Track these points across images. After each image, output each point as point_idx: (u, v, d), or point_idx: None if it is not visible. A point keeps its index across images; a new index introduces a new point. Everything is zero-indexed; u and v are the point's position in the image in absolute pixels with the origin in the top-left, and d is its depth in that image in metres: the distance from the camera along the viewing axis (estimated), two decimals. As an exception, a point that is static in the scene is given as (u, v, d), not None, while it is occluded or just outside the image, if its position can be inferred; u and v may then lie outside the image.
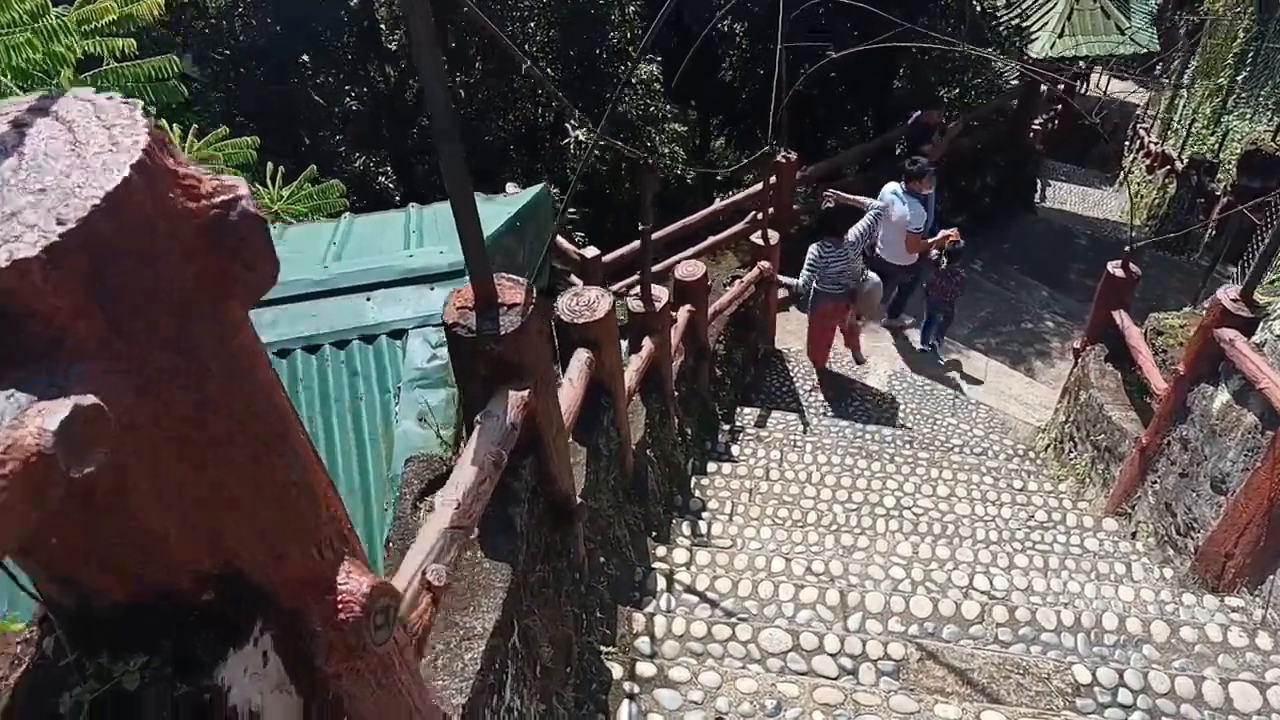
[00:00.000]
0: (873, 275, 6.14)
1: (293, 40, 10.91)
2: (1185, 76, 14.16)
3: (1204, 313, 5.01)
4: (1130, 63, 17.08)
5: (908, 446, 5.63)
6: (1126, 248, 4.80)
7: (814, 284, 5.95)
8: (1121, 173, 14.80)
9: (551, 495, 2.13)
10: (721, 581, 3.05)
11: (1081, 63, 16.19)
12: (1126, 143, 16.74)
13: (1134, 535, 3.95)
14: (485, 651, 1.54)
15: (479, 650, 1.53)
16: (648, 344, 4.00)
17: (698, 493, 4.46)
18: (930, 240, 6.63)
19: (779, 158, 7.83)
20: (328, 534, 0.76)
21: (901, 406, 6.74)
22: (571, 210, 12.49)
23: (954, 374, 7.37)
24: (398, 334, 2.90)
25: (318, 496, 0.74)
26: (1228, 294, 3.39)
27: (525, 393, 1.79)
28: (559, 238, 7.89)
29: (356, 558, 0.83)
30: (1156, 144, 13.10)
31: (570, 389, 2.65)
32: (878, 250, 6.71)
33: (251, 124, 11.10)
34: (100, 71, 4.84)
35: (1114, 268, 4.82)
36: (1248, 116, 10.46)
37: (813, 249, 5.98)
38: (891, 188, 6.54)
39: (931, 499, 4.48)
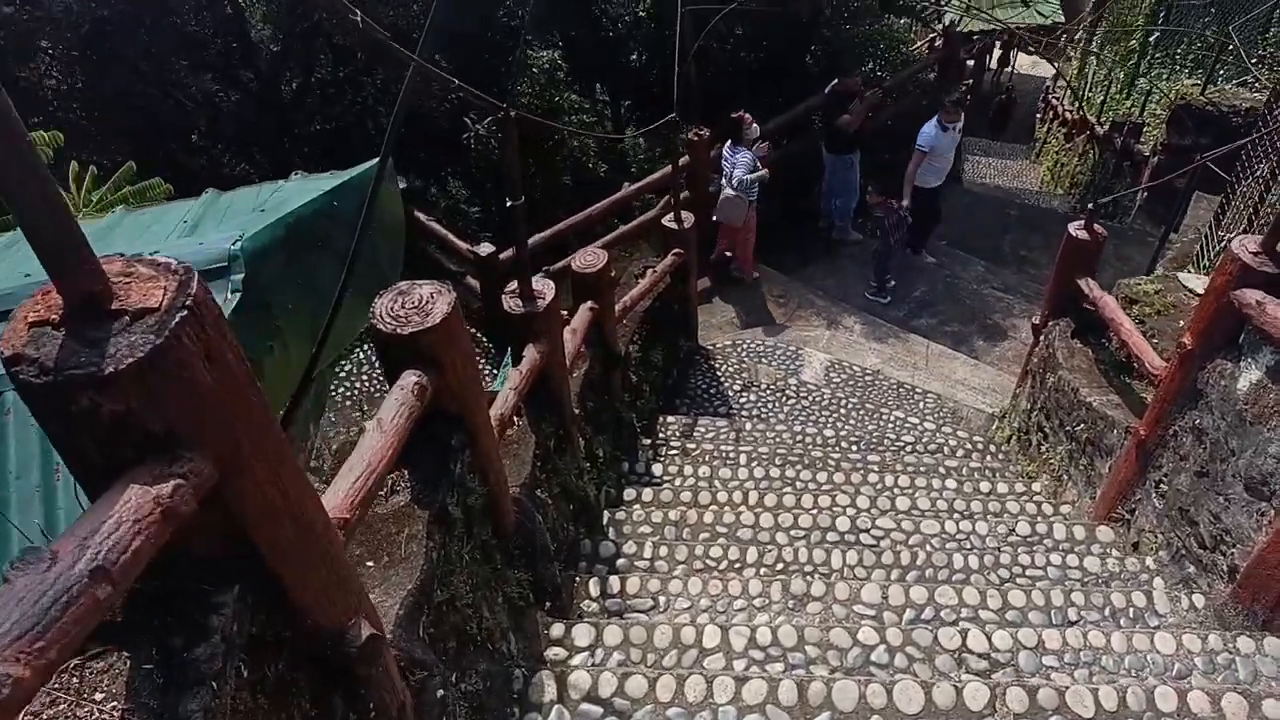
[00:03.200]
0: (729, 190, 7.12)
1: (145, 35, 9.53)
2: (1094, 43, 14.03)
3: (1182, 274, 4.43)
4: (1037, 34, 17.04)
5: (854, 449, 4.89)
6: (1089, 205, 4.17)
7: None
8: (1038, 142, 14.61)
9: (307, 639, 1.23)
10: (634, 681, 2.19)
11: (988, 37, 16.03)
12: (1039, 114, 16.66)
13: (1136, 547, 3.27)
14: None
15: None
16: (531, 353, 3.12)
17: (612, 532, 3.60)
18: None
19: (690, 135, 7.07)
20: None
21: (843, 402, 6.02)
22: (475, 209, 11.54)
23: (895, 360, 6.72)
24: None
25: None
26: (1246, 246, 2.71)
27: (172, 485, 0.90)
28: (449, 234, 7.01)
29: None
30: (1071, 111, 12.87)
31: (379, 437, 1.76)
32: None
33: (104, 137, 9.72)
34: None
35: (1076, 229, 4.16)
36: (1165, 76, 10.19)
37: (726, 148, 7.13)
38: (930, 123, 7.51)
39: (891, 516, 3.72)
